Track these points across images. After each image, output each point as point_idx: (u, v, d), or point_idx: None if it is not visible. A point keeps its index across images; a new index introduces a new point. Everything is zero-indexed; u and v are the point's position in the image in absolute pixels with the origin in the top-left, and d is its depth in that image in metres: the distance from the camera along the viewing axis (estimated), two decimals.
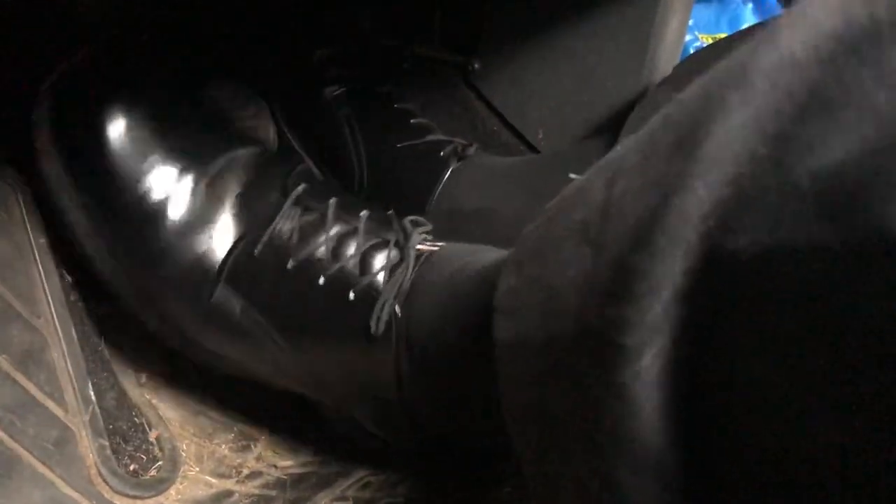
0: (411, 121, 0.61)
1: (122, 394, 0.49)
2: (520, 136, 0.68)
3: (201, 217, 0.44)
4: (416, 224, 0.44)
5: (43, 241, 0.47)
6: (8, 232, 0.46)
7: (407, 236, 0.43)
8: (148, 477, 0.47)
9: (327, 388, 0.46)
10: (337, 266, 0.42)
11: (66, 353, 0.46)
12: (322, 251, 0.43)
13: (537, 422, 0.26)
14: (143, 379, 0.53)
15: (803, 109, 0.18)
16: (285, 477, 0.51)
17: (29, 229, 0.47)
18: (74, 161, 0.43)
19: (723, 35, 0.90)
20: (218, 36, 0.63)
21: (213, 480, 0.49)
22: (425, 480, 0.51)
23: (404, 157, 0.60)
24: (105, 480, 0.45)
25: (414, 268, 0.42)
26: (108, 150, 0.42)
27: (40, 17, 0.51)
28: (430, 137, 0.60)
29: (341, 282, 0.42)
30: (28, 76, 0.52)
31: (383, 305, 0.40)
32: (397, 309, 0.41)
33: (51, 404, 0.44)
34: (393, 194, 0.59)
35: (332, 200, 0.45)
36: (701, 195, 0.19)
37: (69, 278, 0.50)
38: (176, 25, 0.56)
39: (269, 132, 0.59)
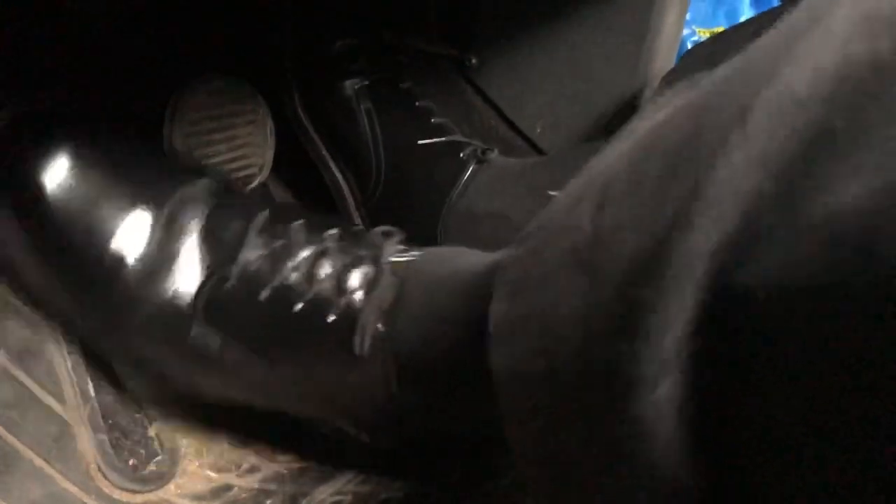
0: (432, 120, 0.61)
1: (121, 388, 0.49)
2: (517, 130, 0.68)
3: (164, 258, 0.42)
4: (387, 235, 0.44)
5: None
6: None
7: (380, 250, 0.42)
8: (147, 471, 0.47)
9: (313, 405, 0.45)
10: (312, 291, 0.41)
11: (64, 349, 0.46)
12: (294, 277, 0.42)
13: (551, 460, 0.26)
14: None
15: (809, 147, 0.18)
16: (285, 471, 0.51)
17: None
18: (26, 223, 0.41)
19: (720, 28, 0.90)
20: (232, 23, 0.63)
21: (213, 475, 0.49)
22: (424, 475, 0.51)
23: (423, 156, 0.59)
24: (104, 475, 0.45)
25: (391, 283, 0.41)
26: (56, 205, 0.41)
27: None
28: (451, 138, 0.60)
29: (319, 306, 0.41)
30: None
31: (365, 326, 0.39)
32: (380, 326, 0.40)
33: (50, 400, 0.44)
34: (410, 192, 0.59)
35: (297, 224, 0.44)
36: (708, 232, 0.19)
37: None
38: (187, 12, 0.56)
39: (266, 129, 0.59)
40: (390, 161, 0.60)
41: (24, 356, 0.44)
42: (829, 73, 0.17)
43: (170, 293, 0.42)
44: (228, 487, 0.49)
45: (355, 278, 0.41)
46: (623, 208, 0.22)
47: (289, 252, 0.43)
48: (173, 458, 0.48)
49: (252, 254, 0.42)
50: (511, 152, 0.66)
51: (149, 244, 0.42)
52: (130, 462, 0.46)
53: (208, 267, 0.43)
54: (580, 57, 0.62)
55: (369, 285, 0.41)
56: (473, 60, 0.69)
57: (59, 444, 0.44)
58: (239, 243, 0.43)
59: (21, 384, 0.43)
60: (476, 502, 0.49)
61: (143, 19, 0.59)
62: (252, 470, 0.50)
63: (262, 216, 0.44)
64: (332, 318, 0.41)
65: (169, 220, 0.43)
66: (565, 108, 0.64)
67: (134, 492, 0.46)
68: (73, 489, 0.44)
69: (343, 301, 0.41)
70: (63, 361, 0.45)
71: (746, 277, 0.19)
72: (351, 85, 0.62)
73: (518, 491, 0.48)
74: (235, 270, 0.42)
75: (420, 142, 0.60)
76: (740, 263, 0.19)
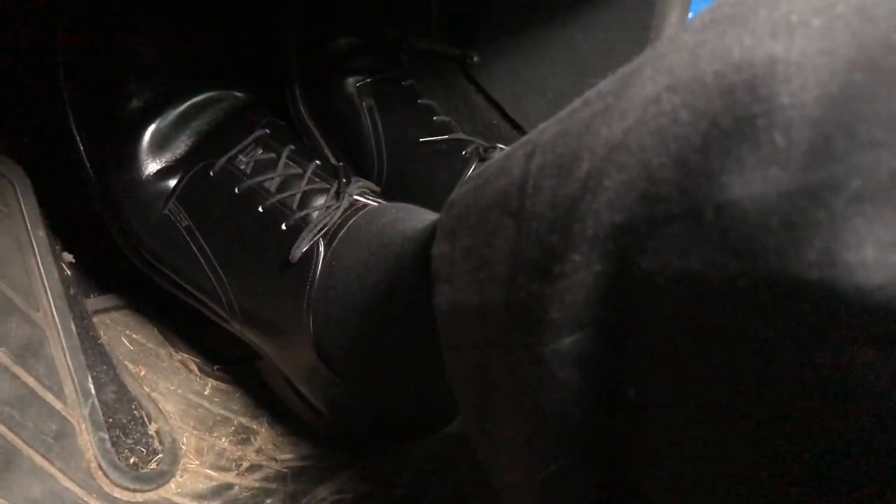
0: (434, 118, 0.61)
1: (122, 387, 0.49)
2: (519, 128, 0.68)
3: (175, 138, 0.49)
4: (359, 180, 0.48)
5: (42, 234, 0.47)
6: (6, 225, 0.46)
7: (348, 186, 0.47)
8: (148, 470, 0.47)
9: (256, 325, 0.48)
10: (278, 198, 0.46)
11: (65, 347, 0.46)
12: (269, 184, 0.47)
13: (478, 388, 0.27)
14: (143, 372, 0.53)
15: (704, 139, 0.18)
16: (285, 470, 0.51)
17: (27, 222, 0.47)
18: (86, 63, 0.48)
19: None
20: (238, 21, 0.63)
21: (214, 473, 0.49)
22: (424, 474, 0.51)
23: (426, 154, 0.59)
24: (105, 473, 0.45)
25: (346, 211, 0.44)
26: (118, 57, 0.48)
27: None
28: (453, 136, 0.60)
29: (278, 213, 0.46)
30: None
31: (304, 238, 0.43)
32: (321, 244, 0.43)
33: (50, 397, 0.44)
34: (412, 189, 0.59)
35: (289, 146, 0.49)
36: (612, 199, 0.20)
37: (68, 272, 0.50)
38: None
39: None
40: (392, 158, 0.60)
41: (24, 354, 0.44)
42: (733, 65, 0.18)
43: (165, 167, 0.49)
44: (229, 486, 0.49)
45: (318, 202, 0.46)
46: (548, 156, 0.24)
47: (273, 165, 0.48)
48: (174, 457, 0.48)
49: (242, 156, 0.49)
50: None
51: (170, 121, 0.49)
52: (131, 460, 0.46)
53: (201, 156, 0.49)
54: (582, 56, 0.62)
55: (326, 210, 0.45)
56: (475, 58, 0.69)
57: (59, 442, 0.44)
58: (234, 145, 0.49)
59: (21, 382, 0.43)
60: (479, 501, 0.49)
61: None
62: (253, 469, 0.50)
63: (263, 131, 0.50)
64: (284, 225, 0.45)
65: (193, 110, 0.50)
66: (566, 106, 0.64)
67: (134, 490, 0.46)
68: (74, 487, 0.43)
69: (300, 215, 0.45)
70: (63, 359, 0.45)
71: (647, 263, 0.20)
72: (353, 82, 0.62)
73: None
74: (223, 162, 0.48)
75: (422, 140, 0.59)
76: (642, 248, 0.20)
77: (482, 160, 0.57)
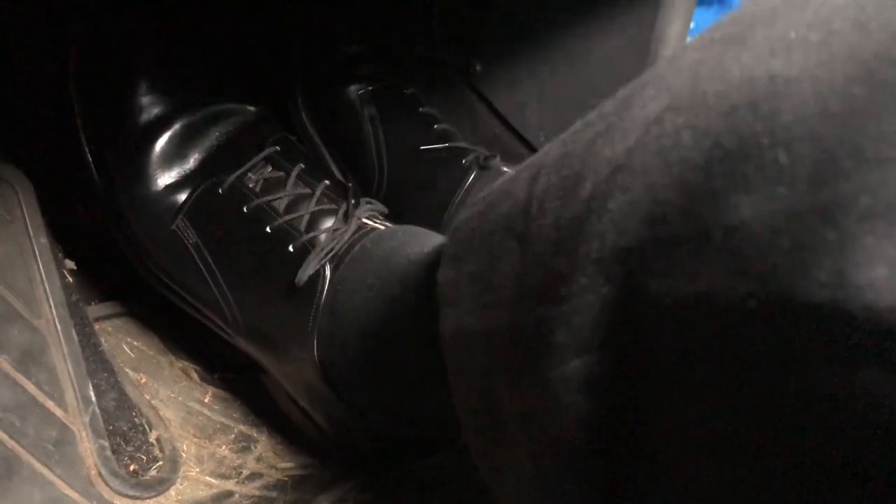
0: (435, 126, 0.61)
1: (122, 394, 0.49)
2: (521, 138, 0.68)
3: (184, 152, 0.49)
4: (369, 202, 0.48)
5: (44, 241, 0.47)
6: (9, 232, 0.46)
7: (356, 209, 0.46)
8: (148, 477, 0.47)
9: (260, 343, 0.48)
10: (286, 218, 0.46)
11: (66, 354, 0.46)
12: (277, 203, 0.47)
13: (485, 413, 0.27)
14: (144, 379, 0.53)
15: (707, 159, 0.18)
16: (286, 478, 0.50)
17: (30, 229, 0.47)
18: (99, 72, 0.48)
19: None
20: (241, 28, 0.63)
21: (214, 481, 0.49)
22: (427, 485, 0.51)
23: (426, 162, 0.60)
24: (105, 481, 0.45)
25: (354, 234, 0.44)
26: (128, 67, 0.48)
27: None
28: (453, 144, 0.60)
29: (286, 234, 0.46)
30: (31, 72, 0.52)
31: (310, 261, 0.43)
32: (327, 268, 0.43)
33: (51, 404, 0.44)
34: (412, 197, 0.59)
35: (299, 165, 0.49)
36: (616, 220, 0.20)
37: (70, 279, 0.50)
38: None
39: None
40: (393, 166, 0.61)
41: (25, 361, 0.44)
42: (735, 84, 0.18)
43: (173, 182, 0.49)
44: (229, 494, 0.49)
45: (326, 223, 0.46)
46: (552, 178, 0.24)
47: (282, 184, 0.48)
48: (174, 464, 0.48)
49: (252, 174, 0.49)
50: (514, 160, 0.66)
51: (179, 135, 0.49)
52: (131, 468, 0.46)
53: (211, 175, 0.49)
54: (584, 66, 0.62)
55: (333, 233, 0.45)
56: (478, 67, 0.69)
57: (59, 449, 0.44)
58: (244, 162, 0.49)
59: (22, 389, 0.43)
60: None
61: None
62: (253, 477, 0.50)
63: (273, 149, 0.50)
64: (291, 247, 0.45)
65: (202, 123, 0.50)
66: (569, 116, 0.64)
67: (134, 497, 0.46)
68: (74, 495, 0.43)
69: (307, 237, 0.45)
70: (65, 366, 0.45)
71: (655, 285, 0.19)
72: (355, 90, 0.62)
73: None
74: (232, 180, 0.48)
75: (423, 147, 0.60)
76: (649, 271, 0.19)
77: (482, 168, 0.57)
